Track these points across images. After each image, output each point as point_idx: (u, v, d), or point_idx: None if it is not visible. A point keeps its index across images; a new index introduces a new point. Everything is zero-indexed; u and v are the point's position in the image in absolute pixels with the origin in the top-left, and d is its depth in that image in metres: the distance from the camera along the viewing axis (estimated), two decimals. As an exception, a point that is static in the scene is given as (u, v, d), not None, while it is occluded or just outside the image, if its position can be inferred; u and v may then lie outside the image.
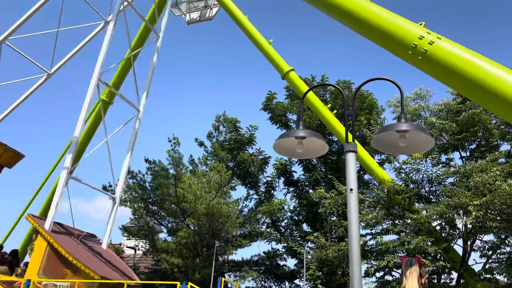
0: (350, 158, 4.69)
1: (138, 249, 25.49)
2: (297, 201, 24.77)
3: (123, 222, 33.64)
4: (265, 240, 24.66)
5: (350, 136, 4.93)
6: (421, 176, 16.34)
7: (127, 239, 26.85)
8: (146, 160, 23.71)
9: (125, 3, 16.36)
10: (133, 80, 16.79)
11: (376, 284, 19.11)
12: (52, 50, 18.61)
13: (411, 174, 16.34)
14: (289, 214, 24.65)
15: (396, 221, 15.88)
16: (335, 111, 18.22)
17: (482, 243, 18.10)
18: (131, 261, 25.90)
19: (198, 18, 21.16)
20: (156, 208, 23.47)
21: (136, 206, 23.15)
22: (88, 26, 19.15)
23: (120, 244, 27.65)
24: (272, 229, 24.65)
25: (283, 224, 24.85)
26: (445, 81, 6.58)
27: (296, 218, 24.60)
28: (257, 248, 54.41)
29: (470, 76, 5.69)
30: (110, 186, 22.72)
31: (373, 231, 16.64)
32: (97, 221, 22.38)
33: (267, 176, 25.92)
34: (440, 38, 6.66)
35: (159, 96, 79.00)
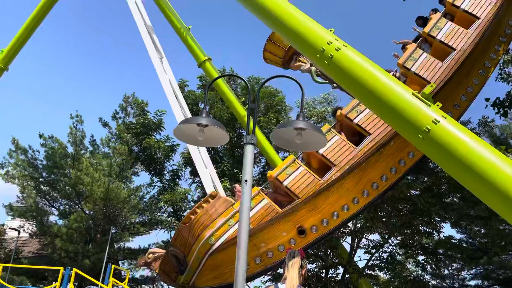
0: (248, 150, 4.76)
1: (24, 231, 23.37)
2: (201, 191, 24.67)
3: (10, 200, 30.61)
4: (165, 229, 24.20)
5: (250, 129, 4.98)
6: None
7: (12, 219, 24.49)
8: (41, 136, 21.81)
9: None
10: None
11: (270, 277, 19.84)
12: None
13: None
14: (192, 204, 24.47)
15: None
16: (247, 106, 18.45)
17: (367, 241, 19.74)
18: (13, 243, 23.68)
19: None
20: (48, 188, 21.71)
21: (25, 184, 21.19)
22: None
23: (3, 224, 25.11)
24: (173, 218, 24.25)
25: (185, 214, 24.59)
26: (346, 87, 6.97)
27: (199, 208, 24.49)
28: (156, 237, 53.31)
29: (365, 85, 6.10)
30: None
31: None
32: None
33: (173, 164, 25.41)
34: (346, 46, 7.01)
35: (61, 67, 73.34)
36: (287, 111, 24.67)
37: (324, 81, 12.34)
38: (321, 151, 9.78)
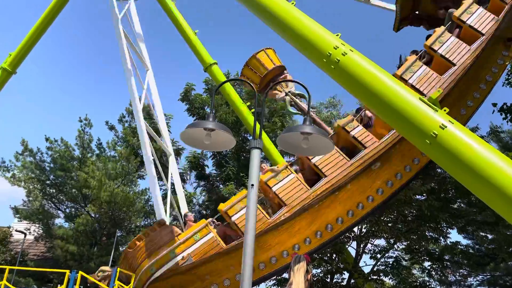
0: (255, 154, 4.76)
1: (30, 234, 23.46)
2: (206, 195, 24.68)
3: (16, 203, 30.77)
4: (170, 233, 24.19)
5: (257, 133, 4.98)
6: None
7: (18, 221, 24.59)
8: (47, 139, 21.90)
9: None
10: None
11: (274, 281, 19.77)
12: None
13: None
14: (197, 207, 24.47)
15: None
16: (253, 110, 18.46)
17: (373, 247, 19.64)
18: (19, 246, 23.77)
19: (123, -5, 20.05)
20: (54, 191, 21.80)
21: (31, 187, 21.29)
22: None
23: (9, 227, 25.21)
24: (177, 222, 24.27)
25: (190, 217, 24.60)
26: (352, 92, 6.97)
27: (204, 212, 24.50)
28: (162, 240, 53.17)
29: (372, 89, 6.09)
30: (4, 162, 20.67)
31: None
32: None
33: (178, 168, 25.46)
34: (352, 51, 7.02)
35: (68, 72, 73.91)
36: (292, 115, 24.64)
37: (297, 112, 12.38)
38: (274, 188, 9.83)
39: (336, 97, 19.93)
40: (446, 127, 5.52)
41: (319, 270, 19.39)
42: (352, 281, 18.47)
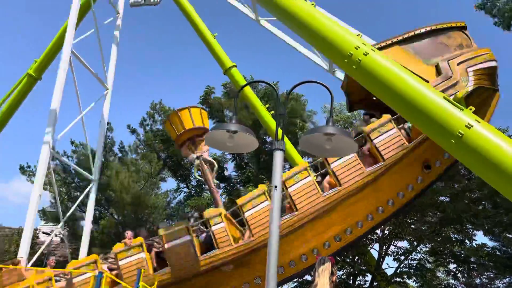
0: (278, 156, 4.76)
1: (55, 236, 23.98)
2: (227, 197, 24.80)
3: (42, 205, 31.54)
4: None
5: (279, 135, 4.99)
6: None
7: (45, 224, 25.20)
8: (72, 143, 22.44)
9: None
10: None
11: (296, 284, 19.70)
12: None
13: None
14: (218, 209, 24.63)
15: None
16: (272, 112, 18.47)
17: (396, 249, 19.36)
18: (46, 247, 24.31)
19: (143, 1, 20.41)
20: (79, 193, 22.27)
21: (57, 190, 21.78)
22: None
23: (36, 229, 25.85)
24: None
25: (211, 219, 24.74)
26: (375, 92, 6.91)
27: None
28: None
29: (395, 89, 6.02)
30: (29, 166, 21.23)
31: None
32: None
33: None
34: (374, 50, 6.97)
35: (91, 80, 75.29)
36: (310, 117, 24.60)
37: (201, 178, 12.56)
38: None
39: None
40: (472, 126, 5.42)
41: (341, 272, 19.25)
42: (375, 283, 18.27)
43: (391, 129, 9.83)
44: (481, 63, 9.59)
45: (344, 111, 19.29)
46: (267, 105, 18.96)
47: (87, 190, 16.68)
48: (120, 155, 23.70)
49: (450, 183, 16.80)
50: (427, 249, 19.74)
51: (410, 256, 19.81)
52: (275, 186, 4.61)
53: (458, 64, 9.42)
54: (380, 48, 9.24)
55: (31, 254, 23.50)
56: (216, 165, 12.72)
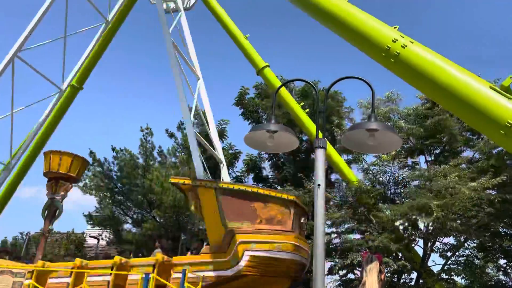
0: (319, 154, 4.73)
1: (102, 239, 24.94)
2: (265, 197, 24.85)
3: (87, 210, 32.89)
4: (232, 235, 24.57)
5: (320, 133, 4.96)
6: (387, 178, 16.72)
7: (91, 228, 26.22)
8: (113, 149, 23.20)
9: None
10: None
11: (339, 282, 19.46)
12: (60, 59, 17.99)
13: (378, 176, 16.69)
14: (256, 210, 24.70)
15: (361, 222, 16.19)
16: (307, 110, 18.34)
17: (441, 245, 18.73)
18: (93, 251, 25.33)
19: (174, 7, 20.79)
20: (122, 198, 23.02)
21: (102, 195, 22.63)
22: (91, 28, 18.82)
23: (83, 233, 26.98)
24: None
25: (250, 219, 24.87)
26: (415, 85, 6.73)
27: (264, 214, 24.71)
28: (223, 243, 54.13)
29: (438, 81, 5.84)
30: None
31: (339, 230, 16.93)
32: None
33: (236, 171, 25.88)
34: (412, 42, 6.80)
35: (130, 84, 77.52)
36: (347, 114, 24.25)
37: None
38: None
39: (394, 92, 19.25)
40: (522, 116, 5.19)
41: (385, 270, 18.85)
42: (421, 281, 17.75)
43: None
44: None
45: (381, 106, 18.87)
46: (301, 103, 18.86)
47: None
48: (159, 159, 24.29)
49: (497, 175, 16.10)
50: (474, 244, 18.99)
51: (457, 253, 19.12)
52: (318, 185, 4.58)
53: None
54: None
55: (80, 256, 24.60)
56: (62, 212, 13.88)
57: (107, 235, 24.33)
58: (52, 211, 13.34)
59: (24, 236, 28.05)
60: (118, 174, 22.85)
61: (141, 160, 22.85)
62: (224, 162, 16.74)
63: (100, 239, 24.82)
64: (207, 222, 11.58)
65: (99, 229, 24.82)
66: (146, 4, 20.52)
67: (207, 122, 17.01)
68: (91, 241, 26.61)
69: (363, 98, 19.01)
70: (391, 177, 16.72)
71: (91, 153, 23.35)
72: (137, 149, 23.27)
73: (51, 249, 22.04)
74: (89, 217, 23.67)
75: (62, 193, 13.27)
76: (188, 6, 20.78)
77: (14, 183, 18.32)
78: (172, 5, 20.45)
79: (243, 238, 10.65)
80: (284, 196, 11.57)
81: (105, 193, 22.79)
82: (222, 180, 16.75)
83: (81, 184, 23.36)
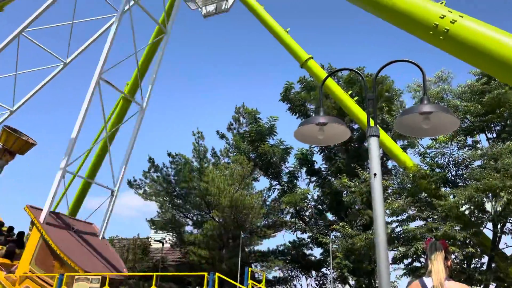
0: (373, 143, 4.60)
1: (166, 242, 25.93)
2: (320, 190, 24.66)
3: (149, 216, 34.40)
4: (290, 230, 24.68)
5: (372, 121, 4.84)
6: (446, 160, 16.01)
7: (155, 232, 27.35)
8: (169, 154, 24.03)
9: (132, 2, 17.04)
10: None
11: (404, 270, 18.92)
12: (67, 41, 19.35)
13: (436, 158, 16.03)
14: (313, 203, 24.59)
15: (423, 208, 15.62)
16: (356, 98, 17.92)
17: (512, 226, 17.65)
18: (158, 254, 26.40)
19: (214, 10, 21.11)
20: (181, 201, 23.81)
21: (162, 199, 23.53)
22: (102, 18, 19.82)
23: (148, 238, 28.21)
24: (296, 219, 24.64)
25: (307, 213, 24.82)
26: (469, 60, 6.39)
27: (320, 207, 24.52)
28: (282, 238, 54.42)
29: (495, 54, 5.50)
30: (135, 180, 23.05)
31: (400, 218, 16.44)
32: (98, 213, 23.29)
33: (289, 166, 25.90)
34: (462, 17, 6.47)
35: (178, 91, 79.68)
36: (397, 96, 23.47)
37: None
38: None
39: (445, 71, 18.37)
40: None
41: (453, 256, 18.07)
42: (493, 265, 16.84)
43: None
44: None
45: (432, 87, 18.08)
46: (349, 92, 18.48)
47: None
48: (213, 160, 24.85)
49: None
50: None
51: (532, 233, 17.94)
52: (375, 174, 4.47)
53: None
54: None
55: (146, 261, 25.73)
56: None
57: (170, 238, 25.28)
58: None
59: None
60: (176, 178, 23.64)
61: (196, 163, 23.51)
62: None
63: (164, 242, 25.84)
64: None
65: (162, 233, 25.87)
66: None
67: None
68: (156, 245, 27.76)
69: (410, 82, 18.34)
70: (450, 159, 16.00)
71: (150, 159, 24.39)
72: (190, 153, 24.00)
73: (121, 255, 23.22)
74: (152, 222, 24.69)
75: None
76: (226, 7, 21.01)
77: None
78: (210, 8, 20.82)
79: None
80: None
81: (164, 198, 23.66)
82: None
83: (140, 191, 24.41)
